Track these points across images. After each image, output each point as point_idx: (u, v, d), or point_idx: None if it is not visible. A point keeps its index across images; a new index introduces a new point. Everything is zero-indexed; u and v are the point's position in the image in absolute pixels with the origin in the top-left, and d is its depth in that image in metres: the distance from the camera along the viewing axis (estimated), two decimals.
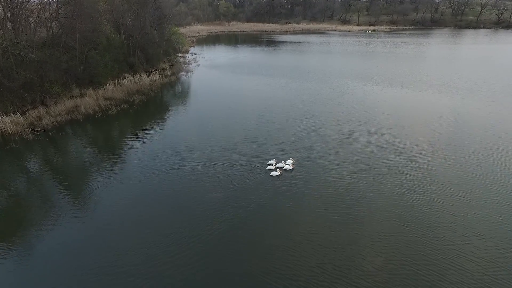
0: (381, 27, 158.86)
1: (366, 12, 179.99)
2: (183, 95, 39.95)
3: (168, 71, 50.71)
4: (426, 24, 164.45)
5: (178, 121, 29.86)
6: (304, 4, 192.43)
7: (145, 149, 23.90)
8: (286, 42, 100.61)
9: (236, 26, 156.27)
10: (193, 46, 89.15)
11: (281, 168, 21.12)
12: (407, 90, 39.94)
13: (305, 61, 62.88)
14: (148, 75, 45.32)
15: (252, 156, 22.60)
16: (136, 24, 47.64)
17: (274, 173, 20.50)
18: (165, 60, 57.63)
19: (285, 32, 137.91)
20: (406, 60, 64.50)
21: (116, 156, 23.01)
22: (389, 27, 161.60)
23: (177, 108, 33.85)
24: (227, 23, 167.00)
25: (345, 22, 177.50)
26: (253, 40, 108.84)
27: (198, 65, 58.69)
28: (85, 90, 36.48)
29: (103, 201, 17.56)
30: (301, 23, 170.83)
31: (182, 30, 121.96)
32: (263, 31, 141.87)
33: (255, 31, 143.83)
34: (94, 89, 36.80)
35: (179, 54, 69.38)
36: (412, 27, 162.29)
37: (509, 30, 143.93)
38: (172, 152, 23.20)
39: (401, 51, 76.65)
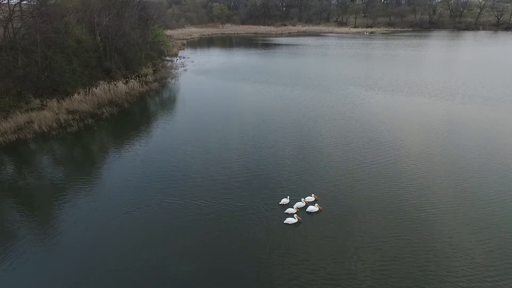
0: (378, 29, 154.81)
1: (363, 14, 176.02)
2: (162, 108, 34.51)
3: (150, 77, 45.30)
4: (424, 26, 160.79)
5: (153, 142, 24.42)
6: (299, 6, 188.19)
7: (106, 180, 18.55)
8: (282, 44, 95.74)
9: (230, 29, 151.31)
10: (184, 49, 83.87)
11: (303, 209, 15.92)
12: (423, 99, 35.02)
13: (303, 65, 57.85)
14: (126, 82, 39.87)
15: (254, 192, 17.25)
16: (113, 25, 42.26)
17: (290, 220, 15.11)
18: (149, 64, 52.29)
19: (281, 35, 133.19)
20: (412, 64, 59.80)
21: (65, 193, 17.57)
22: (387, 29, 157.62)
23: (154, 125, 28.37)
24: (221, 25, 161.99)
25: (341, 24, 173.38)
26: (248, 42, 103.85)
27: (186, 70, 53.37)
28: (48, 101, 31.01)
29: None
30: (297, 25, 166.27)
31: (174, 32, 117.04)
32: (258, 34, 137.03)
33: (249, 33, 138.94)
34: (59, 100, 31.32)
35: (167, 58, 64.09)
36: (410, 29, 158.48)
37: (509, 32, 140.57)
38: (141, 186, 17.86)
39: (404, 54, 72.00)
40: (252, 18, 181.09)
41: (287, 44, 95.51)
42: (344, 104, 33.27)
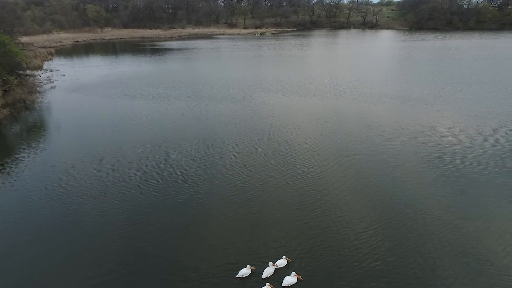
0: (267, 30, 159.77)
1: (251, 15, 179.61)
2: (17, 146, 24.01)
3: None
4: (307, 26, 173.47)
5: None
6: (187, 8, 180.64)
7: None
8: (174, 49, 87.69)
9: (111, 33, 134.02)
10: (51, 59, 68.04)
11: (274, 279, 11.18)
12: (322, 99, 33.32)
13: (201, 72, 51.92)
14: None
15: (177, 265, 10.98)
16: None
17: None
18: None
19: (171, 38, 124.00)
20: (304, 63, 60.32)
21: None
22: (275, 29, 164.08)
23: (6, 177, 18.62)
24: (99, 29, 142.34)
25: (232, 25, 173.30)
26: (134, 48, 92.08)
27: (54, 87, 41.39)
28: None
29: None
30: (187, 28, 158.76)
31: (37, 39, 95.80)
32: (145, 38, 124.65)
33: (135, 38, 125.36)
34: None
35: (26, 73, 49.60)
36: (295, 29, 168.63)
37: (373, 30, 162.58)
38: None
39: (294, 54, 73.34)
40: (136, 21, 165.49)
41: (180, 49, 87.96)
42: (260, 117, 28.83)
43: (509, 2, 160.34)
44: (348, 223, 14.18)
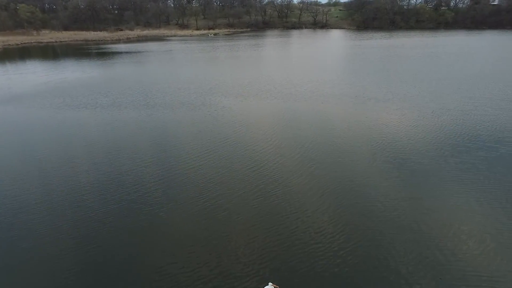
0: (221, 30, 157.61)
1: (203, 16, 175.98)
2: None
3: None
4: (260, 26, 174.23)
5: None
6: (134, 9, 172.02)
7: None
8: (122, 52, 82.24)
9: (50, 36, 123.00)
10: None
11: None
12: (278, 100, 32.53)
13: (154, 77, 48.66)
14: None
15: None
16: None
17: None
18: None
19: (118, 41, 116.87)
20: (260, 64, 59.54)
21: None
22: (228, 30, 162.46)
23: None
24: (34, 32, 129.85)
25: (183, 26, 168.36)
26: (78, 52, 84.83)
27: None
28: None
29: None
30: (135, 30, 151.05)
31: None
32: (89, 41, 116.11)
33: (77, 41, 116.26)
34: None
35: None
36: (248, 29, 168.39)
37: (324, 30, 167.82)
38: None
39: (249, 55, 72.51)
40: (78, 22, 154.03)
41: (129, 52, 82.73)
42: (223, 123, 27.03)
43: (442, 4, 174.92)
44: (316, 225, 13.01)
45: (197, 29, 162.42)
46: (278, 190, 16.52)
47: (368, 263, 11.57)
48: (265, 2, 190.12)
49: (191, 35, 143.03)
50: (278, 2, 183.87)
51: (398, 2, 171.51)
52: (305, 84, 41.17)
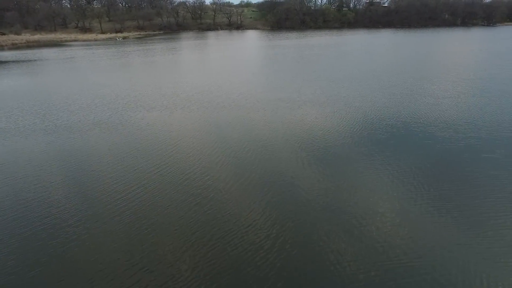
0: (130, 34, 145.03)
1: (108, 18, 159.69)
2: None
3: None
4: (173, 28, 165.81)
5: None
6: (19, 9, 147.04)
7: None
8: (8, 62, 67.96)
9: None
10: None
11: None
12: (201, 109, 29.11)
13: (55, 92, 39.95)
14: None
15: None
16: None
17: None
18: None
19: (1, 47, 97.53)
20: (179, 71, 54.78)
21: None
22: (139, 33, 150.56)
23: None
24: None
25: (85, 30, 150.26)
26: None
27: None
28: None
29: None
30: (23, 34, 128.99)
31: None
32: None
33: None
34: None
35: None
36: (161, 32, 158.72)
37: (239, 30, 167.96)
38: None
39: (167, 60, 66.94)
40: None
41: (17, 61, 68.78)
42: (148, 144, 22.11)
43: (344, 5, 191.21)
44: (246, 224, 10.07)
45: (102, 32, 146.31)
46: (211, 202, 13.11)
47: (304, 253, 11.01)
48: (176, 3, 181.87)
49: (95, 40, 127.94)
50: (190, 3, 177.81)
51: (306, 3, 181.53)
52: (236, 90, 38.07)
